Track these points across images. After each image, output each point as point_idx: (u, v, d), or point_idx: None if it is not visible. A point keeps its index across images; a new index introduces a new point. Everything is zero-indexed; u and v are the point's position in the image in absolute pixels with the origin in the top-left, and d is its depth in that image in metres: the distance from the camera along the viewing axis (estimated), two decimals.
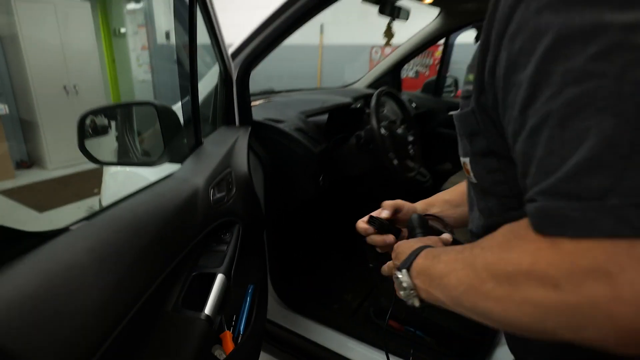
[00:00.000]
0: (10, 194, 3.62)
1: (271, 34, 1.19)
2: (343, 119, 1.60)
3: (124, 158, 1.16)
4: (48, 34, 4.11)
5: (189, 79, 1.00)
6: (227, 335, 0.92)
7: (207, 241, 0.87)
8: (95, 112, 1.00)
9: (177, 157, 0.98)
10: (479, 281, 0.38)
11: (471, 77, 0.47)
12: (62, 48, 4.26)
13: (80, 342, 0.47)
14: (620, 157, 0.28)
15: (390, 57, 2.56)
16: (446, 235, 0.64)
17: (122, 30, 6.88)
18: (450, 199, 0.77)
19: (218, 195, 0.91)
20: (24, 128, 4.42)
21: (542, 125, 0.32)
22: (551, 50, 0.31)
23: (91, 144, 1.01)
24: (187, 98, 1.06)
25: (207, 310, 0.71)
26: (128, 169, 1.58)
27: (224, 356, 0.86)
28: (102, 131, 1.05)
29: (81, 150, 0.98)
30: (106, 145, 1.08)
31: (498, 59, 0.38)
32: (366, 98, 1.87)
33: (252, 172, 1.09)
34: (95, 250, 0.55)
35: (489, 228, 0.49)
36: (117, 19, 6.98)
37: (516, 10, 0.34)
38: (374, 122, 1.36)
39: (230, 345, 0.90)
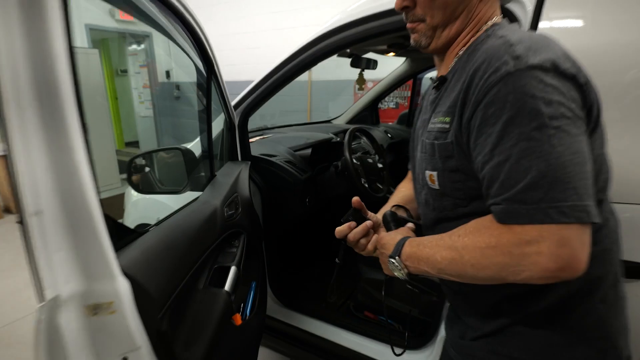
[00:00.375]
0: None
1: (264, 90, 1.56)
2: (324, 152, 1.98)
3: (159, 188, 1.52)
4: None
5: (206, 130, 1.38)
6: (237, 316, 1.26)
7: (222, 245, 1.23)
8: (138, 156, 1.38)
9: (198, 187, 1.35)
10: (459, 256, 0.61)
11: (447, 119, 0.68)
12: None
13: (166, 282, 0.83)
14: (547, 183, 0.52)
15: (368, 95, 2.98)
16: (410, 224, 0.86)
17: (124, 70, 7.37)
18: (401, 202, 1.02)
19: (229, 213, 1.27)
20: None
21: (505, 161, 0.56)
22: (512, 119, 0.55)
23: (135, 179, 1.38)
24: (198, 140, 1.43)
25: (227, 287, 1.06)
26: (148, 197, 1.94)
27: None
28: (141, 169, 1.42)
29: (129, 183, 1.34)
30: (145, 179, 1.44)
31: (474, 116, 0.60)
32: (344, 133, 2.27)
33: (252, 196, 1.46)
34: (162, 240, 0.90)
35: (439, 220, 0.76)
36: (120, 60, 7.48)
37: (491, 90, 0.57)
38: (346, 154, 1.74)
39: (239, 322, 1.24)
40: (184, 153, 1.39)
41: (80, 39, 5.05)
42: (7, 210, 4.28)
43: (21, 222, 0.59)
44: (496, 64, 0.57)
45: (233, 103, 1.66)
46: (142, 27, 5.87)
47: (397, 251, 0.72)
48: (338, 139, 2.14)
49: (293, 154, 1.86)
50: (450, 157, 0.68)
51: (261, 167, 1.70)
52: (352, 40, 1.27)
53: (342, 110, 3.08)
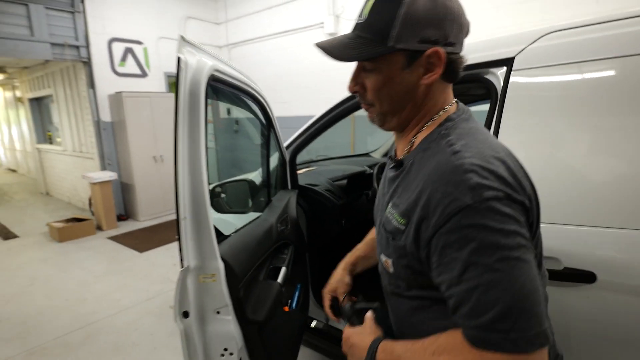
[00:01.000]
0: (116, 239, 4.73)
1: (309, 135, 2.03)
2: (358, 182, 2.40)
3: (231, 208, 2.01)
4: (144, 118, 5.39)
5: (266, 166, 1.87)
6: (285, 308, 1.69)
7: (276, 252, 1.68)
8: (217, 185, 1.89)
9: (259, 208, 1.83)
10: None
11: (403, 221, 0.70)
12: (153, 128, 5.52)
13: (243, 267, 1.28)
14: (514, 314, 0.56)
15: None
16: (369, 314, 0.86)
17: None
18: (363, 254, 1.17)
19: (281, 228, 1.72)
20: (124, 190, 5.65)
21: (473, 289, 0.58)
22: (476, 251, 0.58)
23: (214, 202, 1.88)
24: (257, 172, 1.91)
25: (279, 280, 1.50)
26: (216, 215, 2.45)
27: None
28: (218, 195, 1.92)
29: (212, 206, 1.85)
30: (220, 202, 1.94)
31: (435, 238, 0.62)
32: (377, 165, 2.68)
33: (299, 217, 1.91)
34: (240, 241, 1.36)
35: (395, 294, 0.81)
36: None
37: (452, 219, 0.60)
38: (374, 184, 2.15)
39: (287, 310, 1.67)
40: (249, 183, 1.89)
41: (159, 84, 6.00)
42: (99, 228, 5.12)
43: (177, 222, 1.07)
44: (454, 192, 0.60)
45: (286, 143, 2.14)
46: None
47: (372, 356, 0.74)
48: (370, 171, 2.56)
49: (332, 183, 2.30)
50: (402, 257, 0.72)
51: (306, 194, 2.16)
52: None
53: (383, 142, 3.48)
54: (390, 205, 0.77)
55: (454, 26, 0.68)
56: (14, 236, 5.00)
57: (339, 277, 1.17)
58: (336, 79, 5.40)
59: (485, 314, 0.58)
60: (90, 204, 5.52)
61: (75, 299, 3.23)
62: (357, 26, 0.73)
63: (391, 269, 0.77)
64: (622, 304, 1.06)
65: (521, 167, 0.70)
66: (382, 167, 2.31)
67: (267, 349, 1.34)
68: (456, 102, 0.79)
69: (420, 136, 0.76)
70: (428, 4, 0.66)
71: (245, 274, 1.29)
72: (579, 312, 1.11)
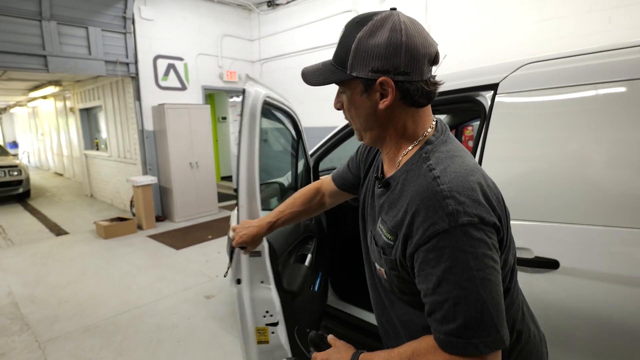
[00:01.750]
0: (155, 237, 5.19)
1: (330, 145, 2.34)
2: None
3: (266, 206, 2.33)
4: (183, 127, 5.88)
5: (294, 171, 2.19)
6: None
7: (302, 242, 1.98)
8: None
9: None
10: None
11: (391, 237, 0.78)
12: (190, 136, 6.00)
13: (280, 249, 1.59)
14: (477, 325, 0.66)
15: None
16: (332, 336, 0.93)
17: (224, 117, 8.88)
18: (282, 209, 1.28)
19: (306, 222, 2.03)
20: (162, 193, 6.15)
21: (445, 301, 0.67)
22: (449, 269, 0.67)
23: None
24: (286, 176, 2.24)
25: (306, 264, 1.81)
26: None
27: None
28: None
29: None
30: None
31: (417, 254, 0.71)
32: None
33: (320, 216, 2.21)
34: (278, 232, 1.68)
35: (393, 296, 0.89)
36: (222, 110, 9.05)
37: (431, 240, 0.68)
38: None
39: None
40: (279, 185, 2.21)
41: (197, 96, 6.51)
42: (139, 227, 5.61)
43: (237, 207, 1.40)
44: (434, 217, 0.68)
45: (310, 151, 2.45)
46: (241, 85, 7.23)
47: None
48: None
49: None
50: (394, 269, 0.81)
51: None
52: None
53: None
54: (379, 221, 0.85)
55: (405, 58, 0.74)
56: (65, 233, 5.55)
57: (255, 229, 1.28)
58: None
59: (454, 322, 0.67)
60: (131, 205, 6.03)
61: (122, 287, 3.64)
62: (333, 58, 0.83)
63: (385, 277, 0.86)
64: (581, 286, 1.30)
65: (492, 185, 0.77)
66: None
67: (297, 316, 1.64)
68: (435, 123, 0.84)
69: (404, 159, 0.83)
70: (377, 40, 0.74)
71: (282, 254, 1.60)
72: (547, 292, 1.36)
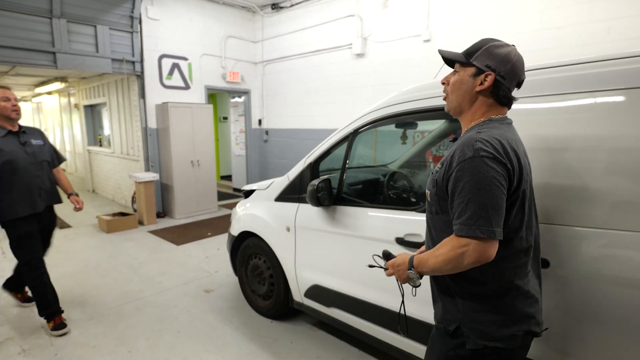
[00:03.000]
0: (156, 233, 5.29)
1: (331, 147, 2.45)
2: (370, 187, 2.79)
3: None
4: (185, 126, 5.98)
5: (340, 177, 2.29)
6: None
7: None
8: (313, 184, 2.27)
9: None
10: (437, 261, 1.11)
11: (440, 166, 1.17)
12: (192, 135, 6.10)
13: None
14: (477, 216, 1.03)
15: (418, 144, 3.73)
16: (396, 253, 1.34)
17: (225, 117, 8.97)
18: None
19: None
20: (163, 190, 6.24)
21: (461, 203, 1.07)
22: (468, 182, 1.06)
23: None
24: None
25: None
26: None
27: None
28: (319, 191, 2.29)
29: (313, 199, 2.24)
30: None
31: (451, 175, 1.10)
32: (390, 174, 3.06)
33: None
34: None
35: (430, 216, 1.26)
36: (223, 110, 9.15)
37: (460, 164, 1.07)
38: (385, 190, 2.54)
39: None
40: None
41: (200, 96, 6.62)
42: (140, 223, 5.70)
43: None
44: (465, 150, 1.07)
45: (312, 152, 2.56)
46: (244, 85, 7.35)
47: (410, 264, 1.21)
48: (382, 180, 2.94)
49: (349, 187, 2.70)
50: (434, 187, 1.21)
51: None
52: (397, 121, 2.13)
53: (399, 155, 3.83)
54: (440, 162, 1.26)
55: (508, 69, 1.15)
56: (68, 226, 5.65)
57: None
58: (358, 96, 5.84)
59: (464, 215, 1.05)
60: (133, 201, 6.13)
61: (124, 279, 3.74)
62: (464, 50, 1.24)
63: (429, 198, 1.25)
64: (569, 283, 1.42)
65: (514, 149, 1.11)
66: (392, 175, 2.70)
67: None
68: (505, 116, 1.22)
69: (470, 127, 1.21)
70: (500, 51, 1.16)
71: None
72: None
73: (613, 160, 1.35)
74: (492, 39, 1.19)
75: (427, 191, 1.27)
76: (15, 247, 2.73)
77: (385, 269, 1.33)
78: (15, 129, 2.70)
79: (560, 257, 1.45)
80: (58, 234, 5.22)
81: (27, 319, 3.00)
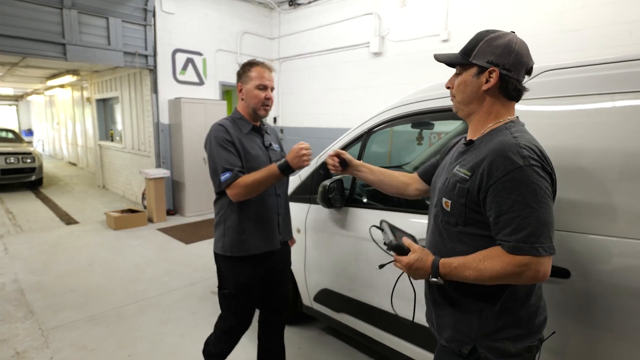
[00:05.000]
0: (165, 231, 5.16)
1: (342, 148, 2.27)
2: None
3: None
4: (198, 122, 5.85)
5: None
6: None
7: None
8: (324, 185, 2.10)
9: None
10: (480, 273, 1.00)
11: (469, 173, 1.04)
12: (205, 131, 5.95)
13: None
14: (538, 233, 0.95)
15: (434, 145, 3.54)
16: (408, 240, 1.15)
17: None
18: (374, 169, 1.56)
19: None
20: (174, 187, 6.13)
21: (517, 217, 0.96)
22: (522, 194, 0.95)
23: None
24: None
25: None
26: None
27: None
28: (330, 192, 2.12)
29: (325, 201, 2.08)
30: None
31: (495, 184, 0.98)
32: None
33: None
34: None
35: (440, 228, 1.14)
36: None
37: (509, 173, 0.96)
38: None
39: None
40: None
41: (214, 92, 6.50)
42: (150, 220, 5.59)
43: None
44: (513, 157, 0.96)
45: (323, 151, 2.39)
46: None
47: (436, 273, 1.08)
48: None
49: (362, 188, 2.51)
50: (462, 197, 1.07)
51: None
52: (411, 120, 1.95)
53: (417, 155, 3.65)
54: (458, 166, 1.12)
55: (512, 60, 1.04)
56: (75, 222, 5.56)
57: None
58: (375, 96, 5.66)
59: (522, 232, 0.95)
60: (143, 197, 6.02)
61: (129, 279, 3.61)
62: (461, 49, 1.14)
63: (449, 208, 1.11)
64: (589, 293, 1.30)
65: (547, 155, 1.05)
66: None
67: None
68: (517, 117, 1.13)
69: (489, 129, 1.11)
70: (498, 42, 1.05)
71: None
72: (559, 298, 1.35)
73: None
74: (488, 31, 1.09)
75: (444, 200, 1.12)
76: None
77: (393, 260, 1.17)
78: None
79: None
80: (64, 230, 5.15)
81: (22, 320, 2.87)
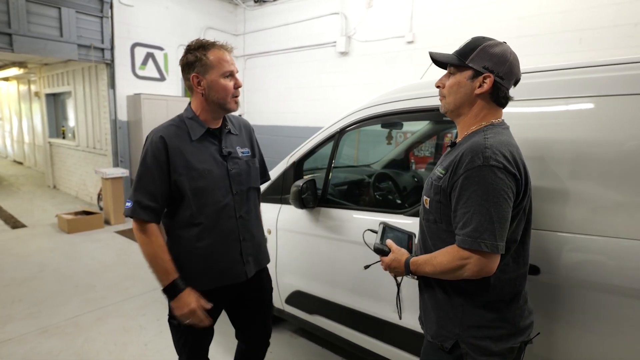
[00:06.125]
0: (124, 233, 4.91)
1: (315, 146, 2.26)
2: (356, 188, 2.62)
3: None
4: (159, 119, 5.59)
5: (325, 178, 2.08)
6: None
7: None
8: (298, 185, 2.05)
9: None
10: (434, 269, 1.10)
11: (443, 172, 1.10)
12: None
13: None
14: (483, 229, 1.00)
15: (401, 145, 3.60)
16: (389, 242, 1.28)
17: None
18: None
19: None
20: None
21: (466, 213, 1.03)
22: (475, 192, 1.01)
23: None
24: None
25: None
26: None
27: None
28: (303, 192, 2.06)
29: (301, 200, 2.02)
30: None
31: (457, 182, 1.05)
32: (375, 175, 2.90)
33: None
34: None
35: (426, 225, 1.20)
36: None
37: (469, 171, 1.02)
38: (371, 191, 2.37)
39: None
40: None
41: (176, 88, 6.24)
42: (107, 222, 5.30)
43: None
44: (474, 157, 1.02)
45: (296, 151, 2.36)
46: None
47: (408, 270, 1.19)
48: (369, 180, 2.77)
49: (334, 188, 2.51)
50: (437, 194, 1.14)
51: None
52: (384, 120, 1.98)
53: (381, 156, 3.70)
54: (439, 166, 1.19)
55: (506, 69, 1.10)
56: (22, 225, 5.17)
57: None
58: (341, 95, 5.68)
59: (469, 226, 1.01)
60: (99, 198, 5.71)
61: (85, 286, 3.40)
62: (456, 51, 1.17)
63: (427, 205, 1.19)
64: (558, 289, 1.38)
65: (521, 158, 1.09)
66: (378, 176, 2.54)
67: None
68: (502, 120, 1.18)
69: (471, 131, 1.15)
70: (495, 50, 1.10)
71: None
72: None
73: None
74: (484, 38, 1.14)
75: (424, 197, 1.20)
76: None
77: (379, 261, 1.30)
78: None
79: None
80: (10, 235, 4.77)
81: None
